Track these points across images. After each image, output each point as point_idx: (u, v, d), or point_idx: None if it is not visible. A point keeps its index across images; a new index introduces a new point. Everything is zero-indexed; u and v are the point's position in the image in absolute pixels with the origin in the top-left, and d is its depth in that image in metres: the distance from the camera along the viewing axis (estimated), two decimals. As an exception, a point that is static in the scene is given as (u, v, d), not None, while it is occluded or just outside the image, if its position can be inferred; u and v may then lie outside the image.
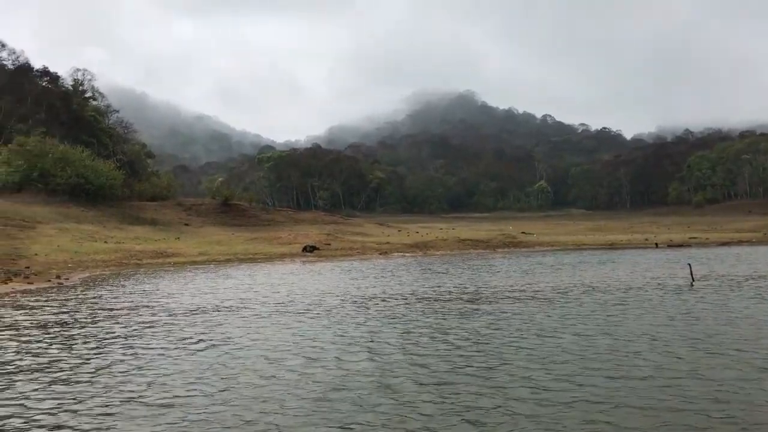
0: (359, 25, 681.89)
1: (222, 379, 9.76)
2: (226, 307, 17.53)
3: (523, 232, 68.94)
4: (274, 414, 7.98)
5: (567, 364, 10.31)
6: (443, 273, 28.65)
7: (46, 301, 19.55)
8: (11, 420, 7.87)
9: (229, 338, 13.01)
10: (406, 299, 18.96)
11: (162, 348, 12.08)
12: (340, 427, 7.47)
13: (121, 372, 10.25)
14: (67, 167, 58.77)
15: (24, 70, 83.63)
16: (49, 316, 16.17)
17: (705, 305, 16.54)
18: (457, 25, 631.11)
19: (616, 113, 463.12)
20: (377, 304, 18.03)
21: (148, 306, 17.97)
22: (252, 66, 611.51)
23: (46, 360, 11.18)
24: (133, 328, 14.47)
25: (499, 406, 8.13)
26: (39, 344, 12.62)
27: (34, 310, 17.31)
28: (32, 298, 20.15)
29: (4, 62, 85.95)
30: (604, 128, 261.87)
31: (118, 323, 15.06)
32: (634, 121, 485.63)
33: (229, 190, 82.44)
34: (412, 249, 49.01)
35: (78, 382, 9.65)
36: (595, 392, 8.68)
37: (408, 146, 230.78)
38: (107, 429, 7.54)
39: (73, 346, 12.40)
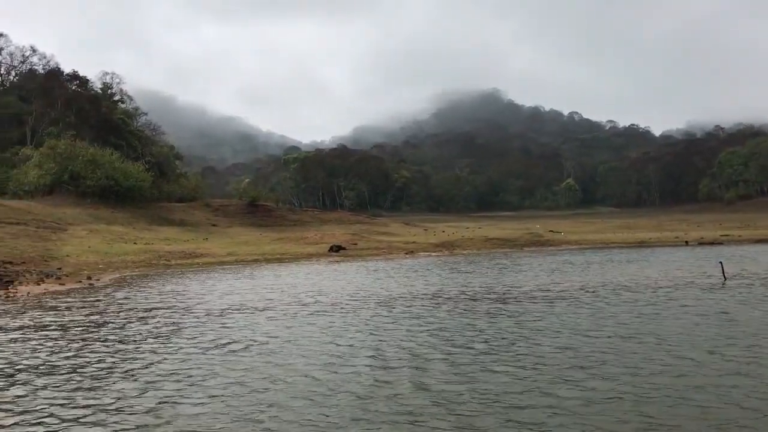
0: (384, 25, 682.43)
1: (260, 379, 9.80)
2: (256, 308, 17.62)
3: (550, 231, 68.36)
4: (317, 415, 7.99)
5: (605, 365, 10.15)
6: (470, 272, 28.52)
7: (77, 301, 19.84)
8: (48, 419, 7.98)
9: (261, 339, 13.06)
10: (433, 299, 18.90)
11: (195, 349, 12.17)
12: (386, 423, 7.47)
13: (155, 373, 10.34)
14: (97, 169, 59.63)
15: (54, 74, 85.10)
16: (80, 317, 16.41)
17: (737, 304, 16.23)
18: (481, 24, 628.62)
19: (645, 110, 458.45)
20: (405, 304, 18.00)
21: (178, 306, 18.14)
22: (278, 67, 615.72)
23: (79, 361, 11.33)
24: (164, 328, 14.61)
25: (550, 407, 8.04)
26: (72, 345, 12.81)
27: (66, 311, 17.58)
28: (64, 299, 20.47)
29: (35, 67, 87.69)
30: (633, 125, 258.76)
31: (148, 324, 15.22)
32: (663, 117, 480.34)
33: (256, 190, 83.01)
34: (438, 248, 48.89)
35: (112, 383, 9.77)
36: (638, 392, 8.54)
37: (433, 145, 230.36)
38: (145, 427, 7.62)
39: (106, 347, 12.55)
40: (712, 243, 50.87)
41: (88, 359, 11.36)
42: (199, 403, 8.53)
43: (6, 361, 11.22)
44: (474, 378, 9.53)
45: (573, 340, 12.14)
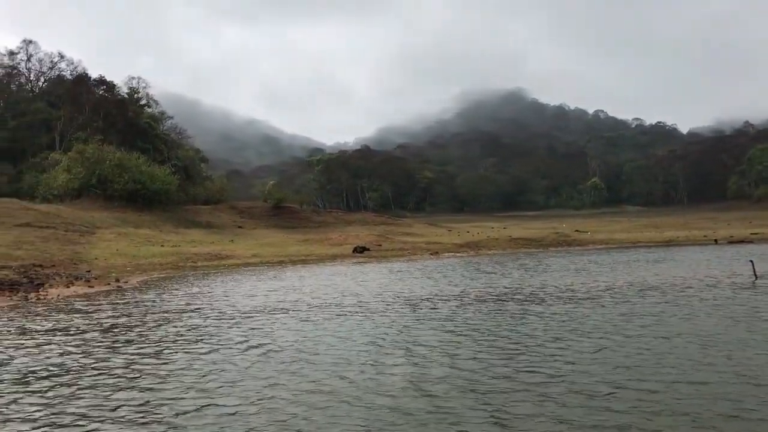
0: (405, 26, 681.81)
1: (287, 381, 9.83)
2: (282, 309, 17.69)
3: (576, 230, 67.78)
4: (348, 417, 7.99)
5: (641, 368, 9.96)
6: (495, 273, 28.36)
7: (106, 304, 20.10)
8: (81, 421, 8.08)
9: (286, 341, 13.10)
10: (459, 300, 18.82)
11: (223, 351, 12.25)
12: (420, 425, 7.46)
13: (187, 375, 10.43)
14: (124, 173, 60.43)
15: (82, 79, 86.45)
16: (109, 319, 16.62)
17: (771, 304, 15.92)
18: (505, 22, 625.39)
19: (672, 107, 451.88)
20: (429, 305, 17.95)
21: (205, 309, 18.29)
22: (300, 70, 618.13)
23: (109, 363, 11.46)
24: (191, 331, 14.73)
25: (596, 408, 7.95)
26: (102, 347, 12.97)
27: (95, 313, 17.82)
28: (93, 302, 20.75)
29: (63, 72, 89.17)
30: (659, 122, 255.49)
31: (176, 326, 15.36)
32: (691, 114, 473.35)
33: (280, 192, 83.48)
34: (463, 249, 48.71)
35: (139, 386, 9.87)
36: (678, 396, 8.42)
37: (457, 145, 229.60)
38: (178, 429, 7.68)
39: (135, 349, 12.68)
40: (741, 241, 50.01)
41: (118, 361, 11.49)
42: (229, 406, 8.58)
43: (38, 363, 11.39)
44: (512, 379, 9.46)
45: (607, 340, 11.96)
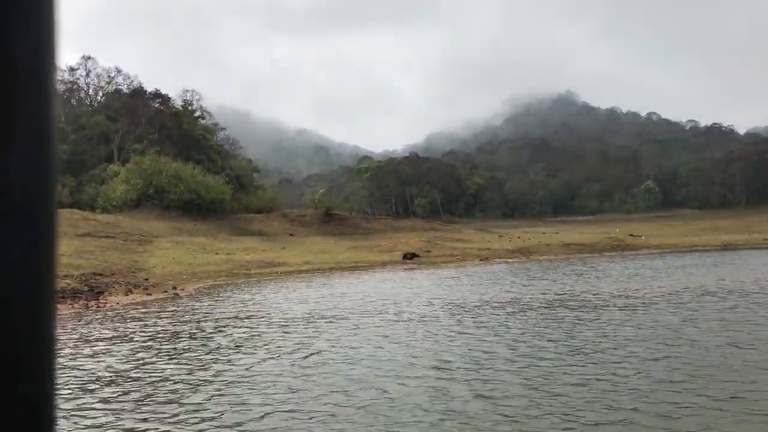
0: (453, 32, 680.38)
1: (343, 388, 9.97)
2: (334, 316, 17.89)
3: (630, 235, 66.31)
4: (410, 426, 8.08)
5: (715, 380, 9.72)
6: (548, 279, 28.04)
7: (163, 311, 20.67)
8: (141, 426, 8.38)
9: (340, 348, 13.26)
10: (511, 307, 18.71)
11: (280, 359, 12.48)
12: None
13: (244, 382, 10.67)
14: (180, 183, 61.94)
15: (138, 93, 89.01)
16: (167, 327, 17.10)
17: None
18: (552, 26, 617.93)
19: (728, 108, 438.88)
20: (481, 312, 17.89)
21: (259, 315, 18.63)
22: (349, 79, 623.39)
23: (170, 371, 11.80)
24: (248, 338, 15.03)
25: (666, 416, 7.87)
26: (162, 353, 13.36)
27: (153, 321, 18.35)
28: (151, 309, 21.36)
29: (120, 87, 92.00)
30: (715, 124, 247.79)
31: (232, 333, 15.70)
32: (748, 115, 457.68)
33: (330, 200, 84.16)
34: (514, 255, 48.25)
35: (196, 393, 10.14)
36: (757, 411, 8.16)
37: (507, 151, 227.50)
38: None
39: (194, 356, 13.03)
40: (806, 245, 48.12)
41: (177, 369, 11.83)
42: (288, 411, 8.76)
43: (100, 370, 11.81)
44: (583, 385, 9.41)
45: (670, 349, 11.71)
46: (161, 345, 14.11)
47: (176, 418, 8.47)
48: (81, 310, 21.24)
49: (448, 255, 47.89)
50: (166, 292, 27.21)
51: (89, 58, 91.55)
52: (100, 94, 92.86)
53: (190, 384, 10.36)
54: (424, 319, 16.66)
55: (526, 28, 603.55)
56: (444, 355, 11.88)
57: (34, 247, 0.34)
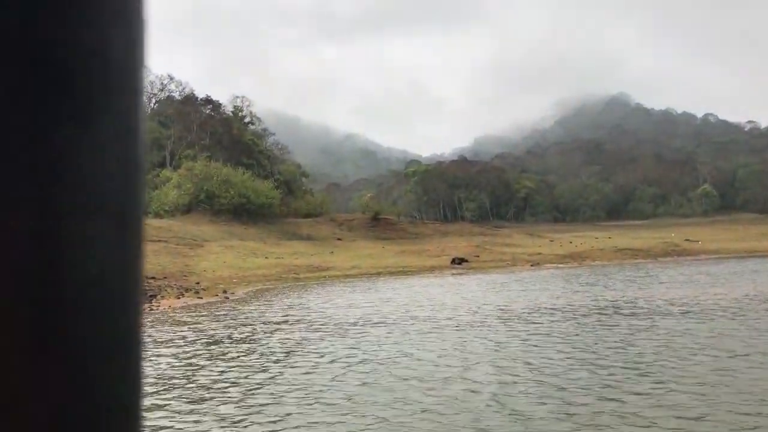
0: (499, 36, 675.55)
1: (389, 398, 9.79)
2: (383, 322, 17.72)
3: (686, 240, 64.36)
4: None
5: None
6: (601, 285, 27.32)
7: (215, 314, 20.85)
8: (193, 429, 8.33)
9: (392, 354, 13.08)
10: (563, 314, 18.23)
11: (341, 363, 12.38)
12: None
13: (299, 387, 10.58)
14: (231, 188, 62.83)
15: (190, 99, 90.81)
16: (219, 330, 17.19)
17: None
18: (601, 26, 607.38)
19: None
20: (533, 319, 17.47)
21: (309, 319, 18.60)
22: (396, 84, 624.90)
23: (223, 375, 11.81)
24: (298, 342, 14.98)
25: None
26: (214, 358, 13.40)
27: (205, 324, 18.49)
28: (202, 312, 21.57)
29: (173, 93, 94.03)
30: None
31: (283, 337, 15.67)
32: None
33: (378, 204, 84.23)
34: (565, 260, 47.31)
35: (250, 396, 10.09)
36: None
37: (557, 153, 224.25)
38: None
39: (247, 359, 13.02)
40: None
41: (228, 373, 11.82)
42: (343, 414, 8.62)
43: (153, 373, 11.89)
44: (646, 395, 9.02)
45: (729, 362, 11.14)
46: (213, 348, 14.16)
47: (231, 421, 8.40)
48: (134, 313, 21.53)
49: (498, 260, 47.26)
50: (216, 295, 27.50)
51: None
52: (153, 101, 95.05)
53: (245, 387, 10.31)
54: (474, 325, 16.34)
55: (573, 28, 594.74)
56: (500, 362, 11.57)
57: (124, 244, 0.35)
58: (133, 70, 0.37)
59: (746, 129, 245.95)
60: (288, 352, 13.45)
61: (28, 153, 0.32)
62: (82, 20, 0.33)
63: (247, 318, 19.44)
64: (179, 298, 26.06)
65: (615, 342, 13.18)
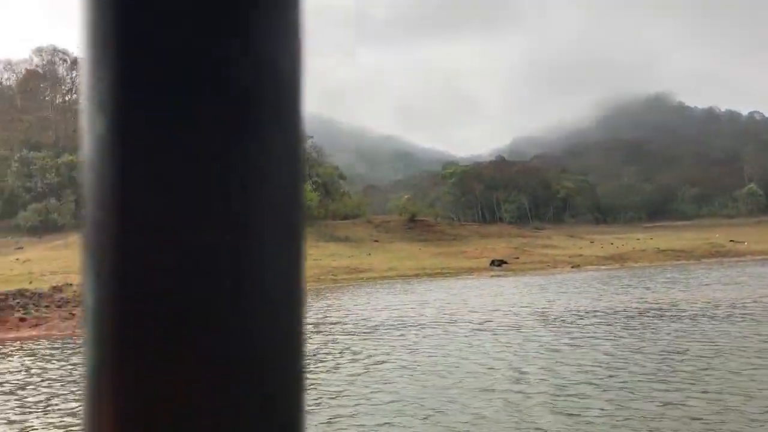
0: (536, 35, 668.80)
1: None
2: (422, 324, 17.63)
3: (731, 241, 62.76)
4: None
5: None
6: (643, 287, 26.76)
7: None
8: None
9: (431, 357, 13.00)
10: (606, 316, 17.89)
11: (387, 366, 12.33)
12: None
13: (344, 385, 10.56)
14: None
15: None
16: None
17: None
18: (640, 25, 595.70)
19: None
20: (575, 322, 17.18)
21: (349, 321, 18.60)
22: (433, 85, 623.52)
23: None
24: (337, 344, 14.98)
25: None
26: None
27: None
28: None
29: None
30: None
31: (323, 338, 15.69)
32: None
33: (415, 206, 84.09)
34: (607, 261, 46.54)
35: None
36: None
37: (598, 154, 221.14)
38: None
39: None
40: None
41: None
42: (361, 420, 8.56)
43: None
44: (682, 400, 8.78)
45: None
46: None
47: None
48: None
49: (538, 261, 46.73)
50: (255, 297, 27.71)
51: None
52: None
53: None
54: (513, 329, 16.13)
55: (611, 27, 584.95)
56: (524, 366, 11.39)
57: (296, 252, 0.36)
58: (298, 80, 0.38)
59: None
60: (327, 353, 13.44)
61: (220, 173, 0.33)
62: (256, 33, 0.34)
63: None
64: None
65: (661, 344, 12.86)
